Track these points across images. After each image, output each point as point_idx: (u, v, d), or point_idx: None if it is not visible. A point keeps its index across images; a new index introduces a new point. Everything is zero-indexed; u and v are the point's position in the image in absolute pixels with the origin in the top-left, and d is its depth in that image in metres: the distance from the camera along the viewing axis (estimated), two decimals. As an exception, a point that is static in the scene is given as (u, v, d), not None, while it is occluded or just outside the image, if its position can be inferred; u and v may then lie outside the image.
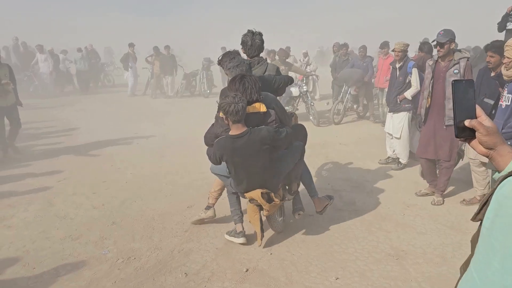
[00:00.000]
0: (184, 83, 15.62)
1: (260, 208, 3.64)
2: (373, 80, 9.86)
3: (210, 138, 3.64)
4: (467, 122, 1.09)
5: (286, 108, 9.22)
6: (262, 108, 3.49)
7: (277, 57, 10.45)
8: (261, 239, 3.67)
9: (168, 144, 7.99)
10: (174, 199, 5.08)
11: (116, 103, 13.79)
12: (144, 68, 15.93)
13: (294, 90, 9.49)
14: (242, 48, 4.14)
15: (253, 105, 3.47)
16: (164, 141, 8.24)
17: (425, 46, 6.73)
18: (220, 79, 16.12)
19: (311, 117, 9.70)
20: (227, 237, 3.96)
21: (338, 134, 8.60)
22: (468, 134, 1.11)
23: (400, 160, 6.21)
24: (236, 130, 3.37)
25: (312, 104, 9.65)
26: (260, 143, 3.35)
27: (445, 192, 4.96)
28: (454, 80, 1.12)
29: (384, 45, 8.83)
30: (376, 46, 10.49)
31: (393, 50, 6.10)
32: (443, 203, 4.80)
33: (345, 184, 5.51)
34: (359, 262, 3.54)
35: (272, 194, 3.55)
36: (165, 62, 15.13)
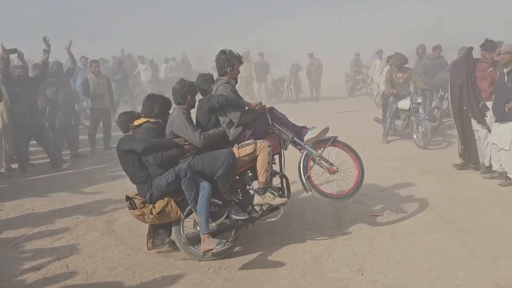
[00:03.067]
0: (272, 89, 15.81)
1: None
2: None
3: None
4: None
5: (397, 122, 8.44)
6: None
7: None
8: None
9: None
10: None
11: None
12: (235, 75, 16.43)
13: (404, 103, 8.08)
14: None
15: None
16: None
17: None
18: (307, 85, 16.07)
19: (415, 136, 7.92)
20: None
21: (433, 143, 8.02)
22: None
23: (508, 175, 5.59)
24: None
25: (427, 118, 7.72)
26: None
27: None
28: None
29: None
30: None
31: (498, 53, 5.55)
32: None
33: (444, 200, 5.11)
34: (462, 291, 3.24)
35: None
36: (259, 68, 15.30)
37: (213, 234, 3.77)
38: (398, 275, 3.50)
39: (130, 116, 4.25)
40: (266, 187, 4.00)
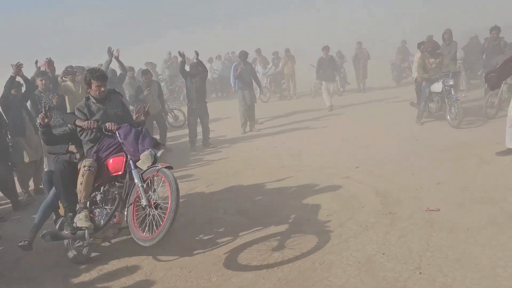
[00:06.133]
0: (317, 83, 15.59)
1: None
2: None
3: None
4: None
5: (431, 104, 8.82)
6: None
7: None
8: None
9: (305, 146, 8.08)
10: (313, 206, 5.09)
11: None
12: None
13: (437, 86, 8.46)
14: None
15: None
16: (299, 143, 8.37)
17: None
18: (354, 75, 15.74)
19: (448, 117, 8.35)
20: None
21: (493, 132, 7.57)
22: None
23: None
24: None
25: (459, 98, 8.21)
26: None
27: None
28: None
29: None
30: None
31: None
32: None
33: (507, 192, 4.81)
34: (531, 291, 3.04)
35: None
36: (325, 66, 12.63)
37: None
38: (459, 274, 3.33)
39: None
40: (83, 207, 3.95)
